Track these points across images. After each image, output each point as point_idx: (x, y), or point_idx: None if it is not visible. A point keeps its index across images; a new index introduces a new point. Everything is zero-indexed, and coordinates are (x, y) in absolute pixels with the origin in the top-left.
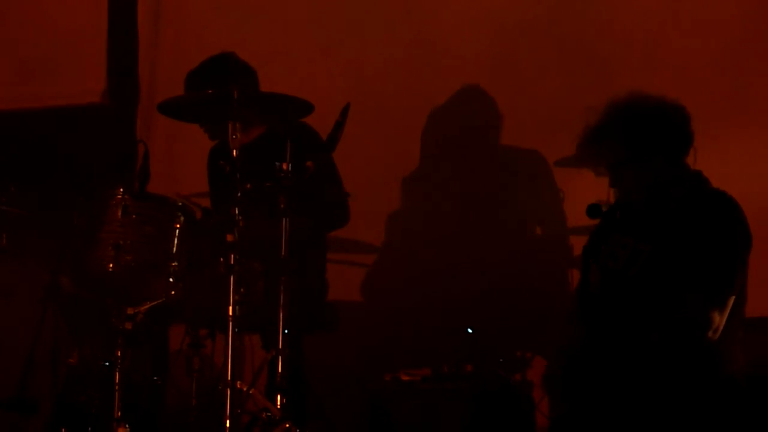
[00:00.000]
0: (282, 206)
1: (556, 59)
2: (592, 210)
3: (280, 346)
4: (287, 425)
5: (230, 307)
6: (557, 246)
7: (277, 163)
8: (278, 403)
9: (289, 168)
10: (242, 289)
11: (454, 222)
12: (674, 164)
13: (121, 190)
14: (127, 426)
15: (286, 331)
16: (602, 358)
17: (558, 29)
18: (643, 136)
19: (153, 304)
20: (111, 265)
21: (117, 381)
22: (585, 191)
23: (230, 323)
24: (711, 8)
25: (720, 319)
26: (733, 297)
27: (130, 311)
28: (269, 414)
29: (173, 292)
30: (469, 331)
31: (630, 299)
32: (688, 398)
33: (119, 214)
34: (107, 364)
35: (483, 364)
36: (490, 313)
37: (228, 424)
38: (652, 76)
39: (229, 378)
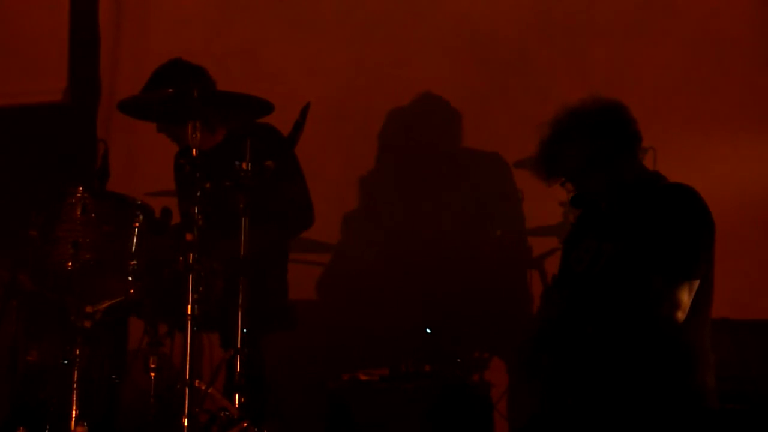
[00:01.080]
0: (241, 206)
1: (516, 62)
2: (576, 200)
3: (239, 345)
4: (245, 424)
5: (189, 306)
6: (516, 247)
7: (236, 163)
8: (237, 402)
9: (249, 167)
10: (201, 288)
11: (412, 222)
12: (632, 163)
13: (81, 188)
14: (84, 424)
15: (244, 330)
16: (573, 356)
17: (519, 33)
18: (600, 136)
19: (112, 302)
20: (70, 264)
21: (75, 379)
22: (544, 192)
23: (189, 322)
24: (676, 14)
25: (687, 300)
26: (698, 281)
27: (88, 310)
28: (227, 413)
29: (132, 291)
30: (428, 331)
31: (595, 297)
32: (654, 383)
33: (78, 212)
34: (66, 362)
35: (441, 365)
36: (449, 314)
37: (186, 423)
38: (614, 79)
39: (187, 377)
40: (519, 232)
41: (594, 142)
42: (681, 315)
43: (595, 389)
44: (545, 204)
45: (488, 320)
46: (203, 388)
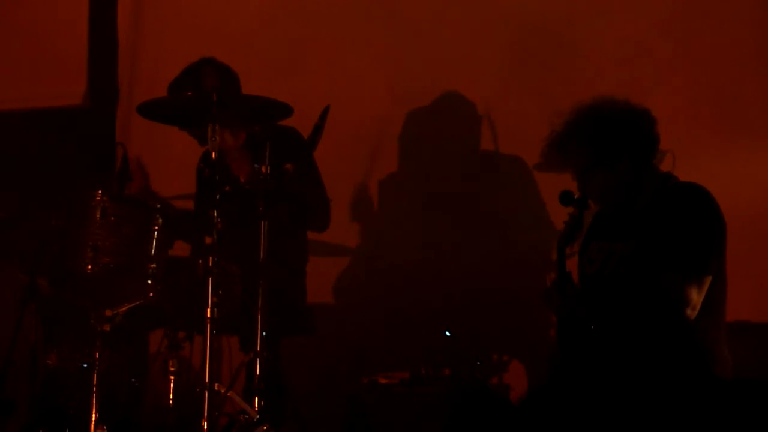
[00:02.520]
0: (261, 209)
1: (539, 65)
2: (565, 197)
3: (258, 349)
4: (265, 427)
5: (208, 309)
6: (536, 250)
7: (255, 166)
8: (256, 405)
9: (268, 170)
10: (220, 292)
11: (432, 225)
12: (641, 166)
13: (100, 192)
14: (104, 427)
15: (264, 334)
16: (585, 352)
17: (542, 38)
18: (608, 138)
19: (131, 305)
20: (89, 267)
21: (95, 382)
22: None
23: (208, 325)
24: (692, 18)
25: (697, 297)
26: (709, 277)
27: (108, 313)
28: (247, 416)
29: (151, 294)
30: (447, 334)
31: (607, 297)
32: (674, 396)
33: (98, 216)
34: (85, 365)
35: (461, 368)
36: (468, 317)
37: (205, 426)
38: (631, 84)
39: (207, 380)
40: (539, 235)
41: (597, 143)
42: (691, 312)
43: (608, 384)
44: (565, 207)
45: (507, 323)
46: (223, 391)
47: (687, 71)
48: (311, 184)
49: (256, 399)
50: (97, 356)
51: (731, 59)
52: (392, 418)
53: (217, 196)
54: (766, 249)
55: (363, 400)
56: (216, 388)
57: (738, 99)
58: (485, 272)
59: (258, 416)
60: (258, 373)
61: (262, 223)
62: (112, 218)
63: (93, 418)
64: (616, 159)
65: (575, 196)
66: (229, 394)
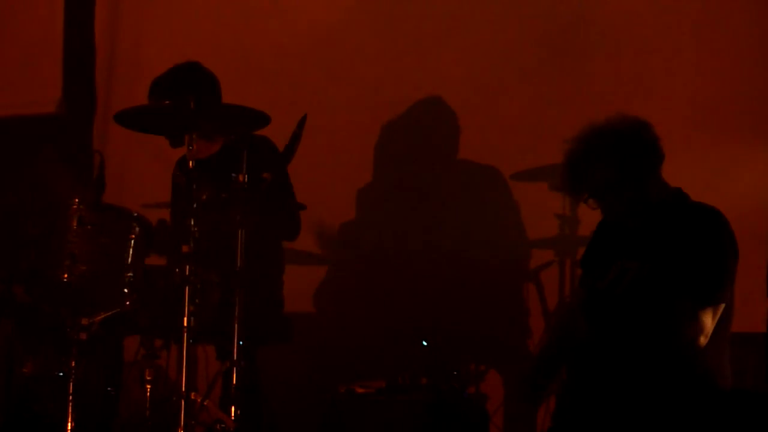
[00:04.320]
0: (238, 218)
1: (517, 75)
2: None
3: (235, 358)
4: None
5: (185, 318)
6: (513, 259)
7: (233, 175)
8: (232, 414)
9: (245, 179)
10: (197, 300)
11: (408, 234)
12: (657, 181)
13: (77, 200)
14: None
15: (240, 343)
16: (593, 371)
17: (522, 50)
18: (630, 155)
19: (108, 314)
20: (66, 275)
21: (71, 391)
22: (540, 205)
23: (185, 334)
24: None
25: (710, 325)
26: (723, 305)
27: (84, 321)
28: (223, 425)
29: (128, 303)
30: (424, 343)
31: (616, 315)
32: (679, 411)
33: (74, 224)
34: (61, 374)
35: (438, 377)
36: (445, 326)
37: None
38: (622, 90)
39: (183, 389)
40: (515, 244)
41: (622, 162)
42: (704, 339)
43: (614, 403)
44: (542, 217)
45: (485, 333)
46: (199, 400)
47: (666, 74)
48: (286, 193)
49: (233, 408)
50: (74, 365)
51: (712, 61)
52: (369, 427)
53: (194, 205)
54: (752, 257)
55: (340, 409)
56: (192, 397)
57: (718, 101)
58: (463, 282)
59: (235, 425)
60: (234, 382)
61: (240, 231)
62: (89, 226)
63: (69, 427)
64: (638, 175)
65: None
66: (205, 403)
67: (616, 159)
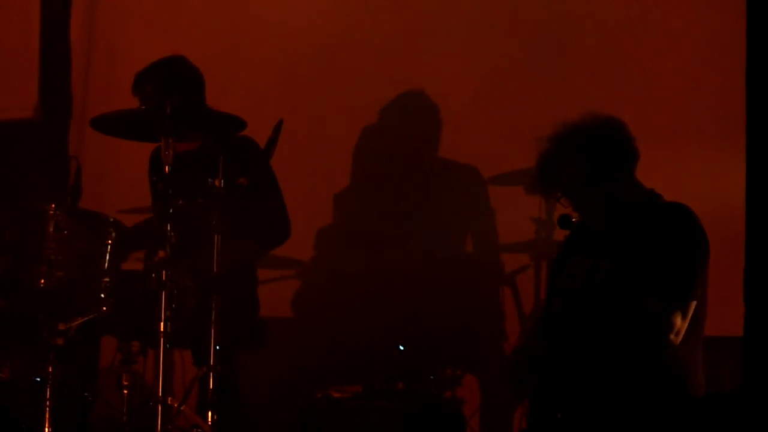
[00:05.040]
0: (215, 222)
1: (497, 79)
2: (563, 221)
3: (212, 362)
4: None
5: (161, 323)
6: (489, 263)
7: (209, 180)
8: (209, 419)
9: (222, 184)
10: (174, 305)
11: (384, 238)
12: (630, 180)
13: (53, 206)
14: None
15: (217, 347)
16: (564, 373)
17: (503, 53)
18: (602, 153)
19: (84, 319)
20: (42, 281)
21: (48, 396)
22: (516, 209)
23: (161, 339)
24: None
25: (681, 324)
26: (694, 303)
27: (61, 327)
28: (200, 430)
29: (104, 308)
30: (400, 348)
31: (589, 315)
32: (649, 415)
33: (51, 229)
34: (38, 379)
35: (414, 382)
36: (422, 331)
37: None
38: (594, 95)
39: (160, 394)
40: (492, 249)
41: (593, 159)
42: (674, 338)
43: (585, 405)
44: (518, 220)
45: (461, 337)
46: (176, 405)
47: (643, 76)
48: (266, 196)
49: (210, 413)
50: (51, 370)
51: (686, 65)
52: None
53: (170, 210)
54: (716, 261)
55: (316, 414)
56: (169, 402)
57: (693, 104)
58: (439, 286)
59: (212, 430)
60: (211, 387)
61: (216, 236)
62: (65, 232)
63: None
64: (610, 174)
65: (573, 219)
66: (182, 408)
67: (587, 157)
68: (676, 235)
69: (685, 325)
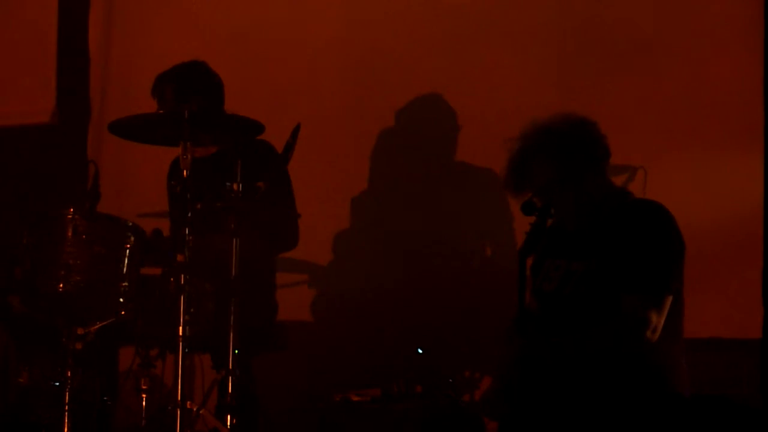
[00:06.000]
0: (232, 226)
1: (512, 75)
2: (527, 207)
3: (230, 366)
4: None
5: (180, 327)
6: (507, 266)
7: (227, 183)
8: (228, 423)
9: (240, 188)
10: (192, 309)
11: (403, 242)
12: (601, 180)
13: (72, 210)
14: None
15: (236, 351)
16: (541, 372)
17: (523, 53)
18: (571, 152)
19: (103, 324)
20: (61, 285)
21: (67, 401)
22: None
23: (180, 343)
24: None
25: (658, 319)
26: (670, 298)
27: (80, 331)
28: None
29: (123, 313)
30: (419, 351)
31: (567, 317)
32: (631, 412)
33: (69, 234)
34: (57, 384)
35: (433, 385)
36: (440, 334)
37: None
38: (604, 99)
39: (179, 398)
40: (510, 251)
41: (563, 159)
42: (651, 335)
43: (565, 404)
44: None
45: (480, 340)
46: (195, 409)
47: (653, 85)
48: (283, 200)
49: (229, 417)
50: (69, 375)
51: (697, 72)
52: None
53: (189, 214)
54: (735, 263)
55: (335, 418)
56: (188, 406)
57: (706, 114)
58: (458, 289)
59: None
60: (230, 390)
61: (234, 240)
62: (84, 236)
63: None
64: (580, 173)
65: (537, 206)
66: (201, 412)
67: (556, 157)
68: (648, 231)
69: (662, 321)
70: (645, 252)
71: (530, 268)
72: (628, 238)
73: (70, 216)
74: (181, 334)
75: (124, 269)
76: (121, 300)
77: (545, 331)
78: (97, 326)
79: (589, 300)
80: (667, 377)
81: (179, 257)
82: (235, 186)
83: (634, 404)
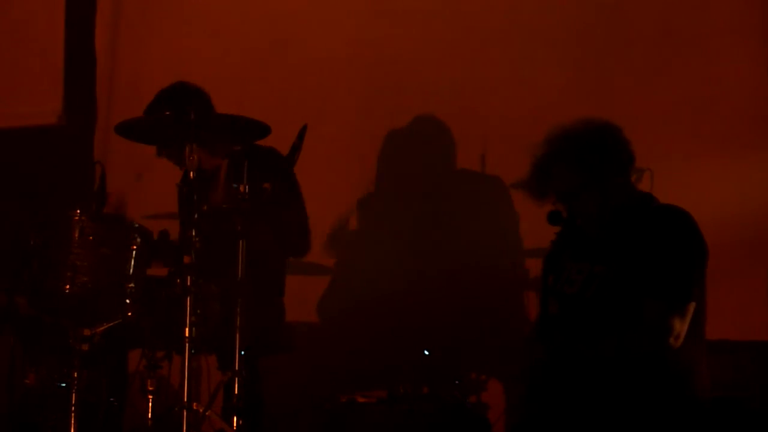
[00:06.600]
0: (239, 228)
1: (512, 81)
2: (553, 217)
3: (237, 368)
4: None
5: (186, 329)
6: (513, 268)
7: (234, 185)
8: (234, 424)
9: (246, 190)
10: (198, 311)
11: (409, 244)
12: (624, 185)
13: (78, 211)
14: None
15: (242, 353)
16: (564, 376)
17: (529, 55)
18: (595, 158)
19: (109, 325)
20: (67, 287)
21: (73, 402)
22: (541, 214)
23: (186, 344)
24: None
25: (680, 326)
26: (693, 304)
27: (86, 332)
28: None
29: (129, 313)
30: (426, 353)
31: (589, 320)
32: (652, 415)
33: (76, 235)
34: (64, 385)
35: (439, 386)
36: (446, 335)
37: None
38: (613, 101)
39: (185, 399)
40: (516, 254)
41: (586, 165)
42: (674, 341)
43: (587, 409)
44: (543, 226)
45: (486, 342)
46: (201, 410)
47: (663, 87)
48: (289, 205)
49: (235, 418)
50: (76, 376)
51: (706, 73)
52: None
53: (195, 216)
54: (742, 265)
55: (341, 419)
56: (194, 408)
57: (713, 114)
58: (464, 291)
59: None
60: (236, 392)
61: (240, 242)
62: (91, 238)
63: None
64: (604, 178)
65: (563, 216)
66: (207, 414)
67: (580, 164)
68: (673, 237)
69: (685, 328)
70: (669, 259)
71: (550, 270)
72: (653, 243)
73: (76, 217)
74: (187, 335)
75: (131, 270)
76: (128, 301)
77: (567, 333)
78: (103, 327)
79: (611, 303)
80: (688, 381)
81: (185, 258)
82: (241, 188)
83: (654, 408)
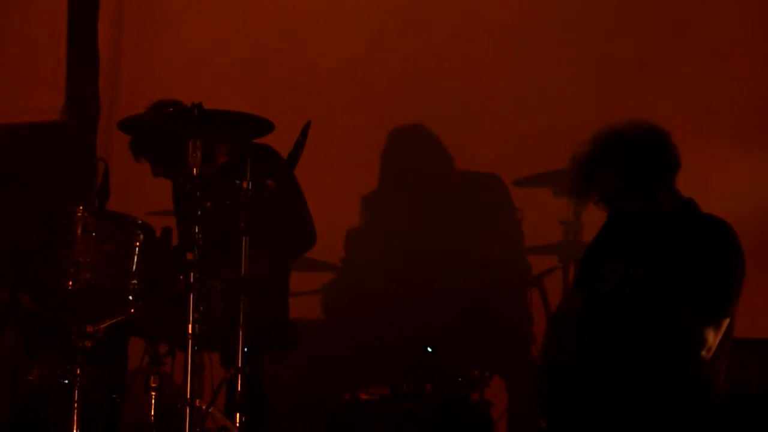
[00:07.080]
0: (242, 225)
1: (513, 78)
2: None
3: (240, 365)
4: None
5: (189, 325)
6: (516, 265)
7: (236, 182)
8: (237, 421)
9: (249, 186)
10: (201, 308)
11: (413, 241)
12: (669, 189)
13: (81, 207)
14: None
15: (245, 350)
16: (592, 376)
17: (530, 55)
18: (641, 162)
19: (112, 321)
20: (70, 283)
21: (76, 399)
22: (543, 211)
23: (190, 341)
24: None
25: (714, 340)
26: (728, 319)
27: (89, 329)
28: None
29: (132, 310)
30: (429, 350)
31: (621, 320)
32: (673, 419)
33: (79, 231)
34: (66, 381)
35: (442, 384)
36: (449, 333)
37: None
38: (627, 99)
39: (188, 396)
40: (518, 250)
41: (633, 168)
42: (706, 354)
43: (611, 411)
44: (545, 223)
45: (489, 339)
46: (204, 407)
47: (672, 86)
48: (292, 202)
49: (238, 415)
50: (78, 372)
51: (716, 72)
52: None
53: (198, 212)
54: (755, 264)
55: (344, 416)
56: (197, 404)
57: (730, 111)
58: (467, 288)
59: None
60: (239, 389)
61: (244, 238)
62: (94, 234)
63: None
64: (648, 182)
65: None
66: (210, 410)
67: (627, 166)
68: (716, 250)
69: (717, 342)
70: (712, 271)
71: (582, 263)
72: (697, 254)
73: (79, 214)
74: (190, 332)
75: (134, 267)
76: (131, 297)
77: (597, 331)
78: (106, 324)
79: (646, 307)
80: (709, 389)
81: (188, 255)
82: (244, 184)
83: (674, 415)
